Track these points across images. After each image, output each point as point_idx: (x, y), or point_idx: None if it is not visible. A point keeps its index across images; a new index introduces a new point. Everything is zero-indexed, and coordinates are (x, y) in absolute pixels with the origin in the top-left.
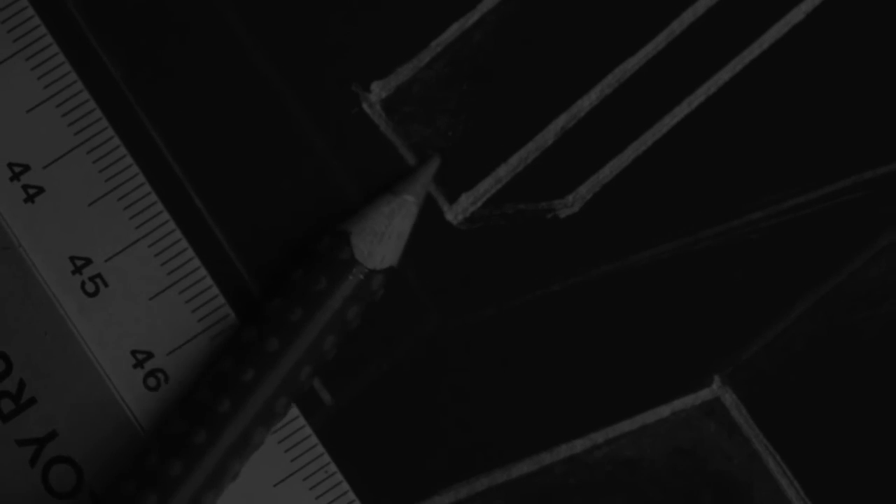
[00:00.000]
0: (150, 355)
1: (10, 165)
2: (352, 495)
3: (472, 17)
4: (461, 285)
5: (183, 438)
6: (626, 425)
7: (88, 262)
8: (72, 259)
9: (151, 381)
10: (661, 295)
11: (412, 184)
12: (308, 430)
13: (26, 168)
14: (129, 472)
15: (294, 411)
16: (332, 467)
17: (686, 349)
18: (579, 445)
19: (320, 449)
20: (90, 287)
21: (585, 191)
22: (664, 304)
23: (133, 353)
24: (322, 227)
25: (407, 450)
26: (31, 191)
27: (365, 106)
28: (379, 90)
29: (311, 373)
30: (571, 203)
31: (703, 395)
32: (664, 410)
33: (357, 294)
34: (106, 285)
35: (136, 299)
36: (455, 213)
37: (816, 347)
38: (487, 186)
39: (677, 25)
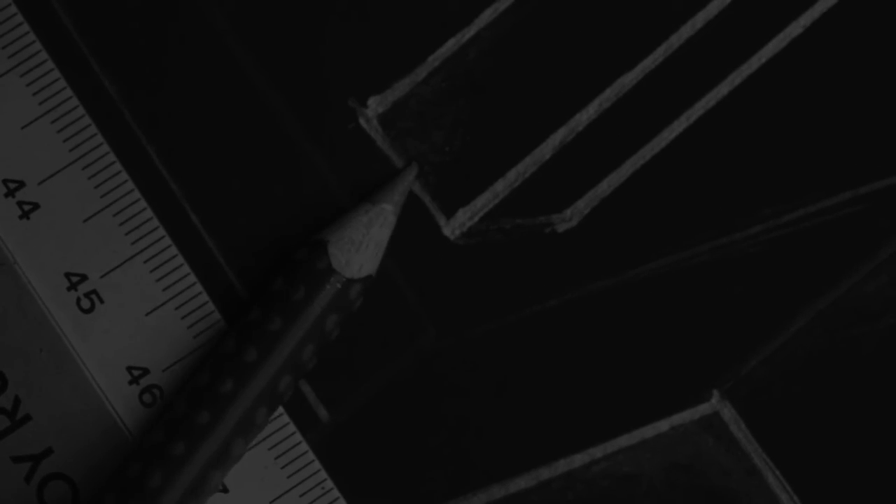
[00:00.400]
0: (145, 371)
1: (5, 182)
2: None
3: (469, 33)
4: (458, 300)
5: (162, 450)
6: (625, 440)
7: (84, 278)
8: (67, 275)
9: (147, 398)
10: (660, 309)
11: (390, 192)
12: (304, 447)
13: (21, 184)
14: (111, 483)
15: (290, 427)
16: (329, 483)
17: (685, 364)
18: (578, 460)
19: (317, 465)
20: (86, 303)
21: (583, 205)
22: (663, 318)
23: (129, 369)
24: (302, 232)
25: (404, 466)
26: (26, 207)
27: (362, 121)
28: (375, 105)
29: (290, 382)
30: (569, 217)
31: (702, 409)
32: (663, 425)
33: (335, 303)
34: (101, 301)
35: (131, 315)
36: (452, 228)
37: (816, 362)
38: (485, 201)
39: (676, 39)
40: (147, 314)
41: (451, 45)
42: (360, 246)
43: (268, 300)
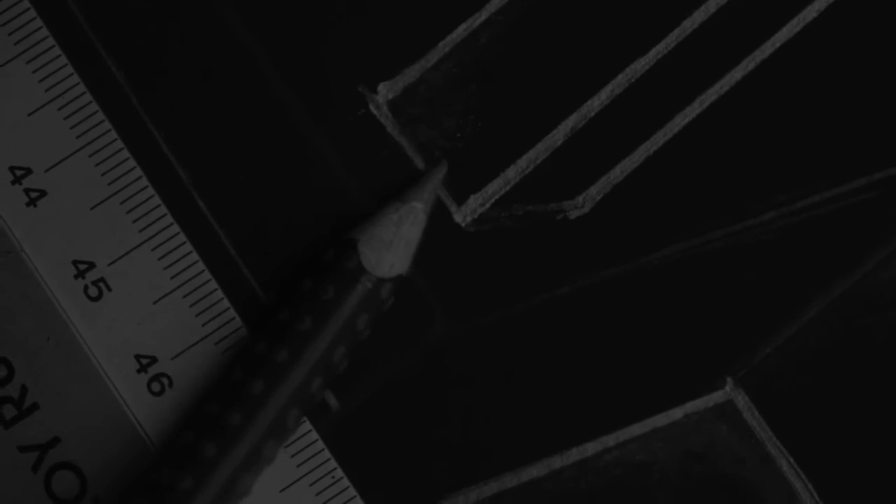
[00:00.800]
0: (153, 360)
1: (12, 169)
2: (359, 501)
3: (480, 18)
4: (470, 288)
5: (193, 452)
6: (638, 428)
7: (91, 266)
8: (74, 263)
9: (155, 386)
10: (673, 296)
11: (420, 190)
12: (314, 436)
13: (28, 171)
14: (138, 485)
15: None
16: (339, 473)
17: (698, 351)
18: (590, 449)
19: (327, 454)
20: (93, 291)
21: (595, 192)
22: (676, 305)
23: (137, 357)
24: (329, 233)
25: (415, 454)
26: (33, 194)
27: (371, 107)
28: (386, 91)
29: (322, 384)
30: (581, 204)
31: (716, 397)
32: (676, 413)
33: (366, 303)
34: (109, 289)
35: (139, 303)
36: (463, 215)
37: (830, 349)
38: (496, 188)
39: (689, 24)
40: (155, 302)
41: (461, 30)
42: (391, 245)
43: (297, 300)
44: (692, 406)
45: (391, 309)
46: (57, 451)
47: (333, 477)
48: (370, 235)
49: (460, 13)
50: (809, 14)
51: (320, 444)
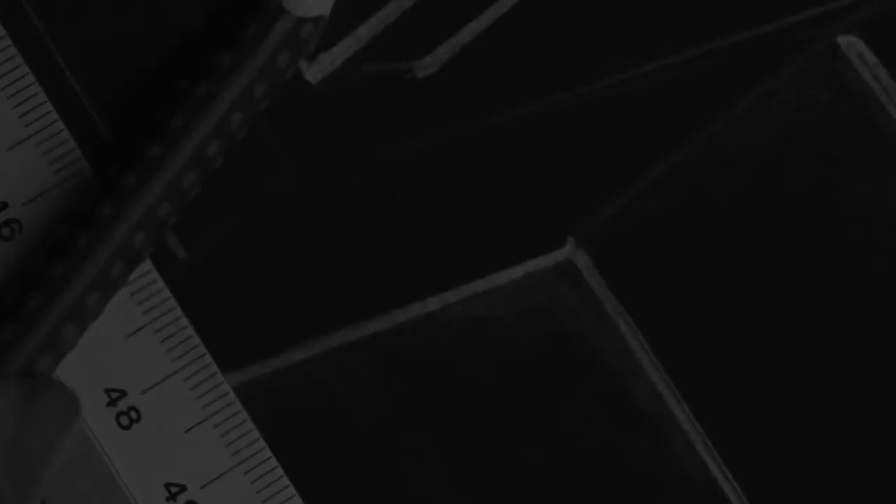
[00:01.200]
0: (124, 394)
1: None
2: (202, 349)
3: None
4: (318, 144)
5: (117, 181)
6: (480, 285)
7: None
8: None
9: (124, 420)
10: (517, 156)
11: None
12: (161, 283)
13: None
14: None
15: (147, 264)
16: (184, 321)
17: (541, 210)
18: (432, 304)
19: (173, 302)
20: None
21: (444, 52)
22: (520, 164)
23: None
24: None
25: (260, 306)
26: None
27: None
28: None
29: (243, 120)
30: (430, 64)
31: (557, 256)
32: (517, 271)
33: (286, 42)
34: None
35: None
36: (314, 73)
37: (672, 210)
38: (346, 46)
39: None
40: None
41: None
42: None
43: (219, 39)
44: (533, 264)
45: (241, 161)
46: None
47: (179, 325)
48: None
49: None
50: None
51: (167, 293)
